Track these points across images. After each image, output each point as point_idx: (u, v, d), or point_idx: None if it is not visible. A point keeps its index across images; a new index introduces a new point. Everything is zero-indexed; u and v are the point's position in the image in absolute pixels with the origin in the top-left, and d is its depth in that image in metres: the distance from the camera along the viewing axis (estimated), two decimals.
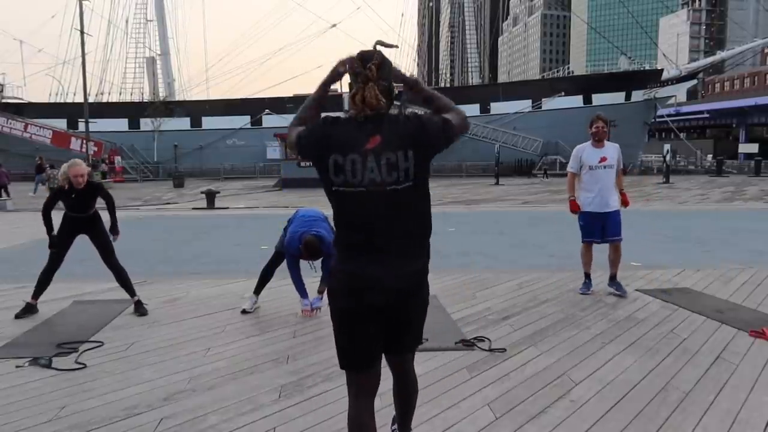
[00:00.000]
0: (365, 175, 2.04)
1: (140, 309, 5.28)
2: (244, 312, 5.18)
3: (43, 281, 5.31)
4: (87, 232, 5.39)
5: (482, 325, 4.74)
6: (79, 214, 5.35)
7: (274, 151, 38.96)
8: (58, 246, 5.34)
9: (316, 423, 3.04)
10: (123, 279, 5.39)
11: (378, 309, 2.14)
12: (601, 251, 5.93)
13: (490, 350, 4.12)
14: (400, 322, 2.24)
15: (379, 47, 2.14)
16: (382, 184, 2.05)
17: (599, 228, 5.76)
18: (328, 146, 2.08)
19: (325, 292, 4.86)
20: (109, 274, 5.43)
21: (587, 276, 5.92)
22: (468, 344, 4.23)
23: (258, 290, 5.34)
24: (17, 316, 5.15)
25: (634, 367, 3.78)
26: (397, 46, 2.36)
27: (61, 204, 5.34)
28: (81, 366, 3.89)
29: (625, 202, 5.82)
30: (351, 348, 2.21)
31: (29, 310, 5.26)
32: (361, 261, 2.11)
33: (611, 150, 5.72)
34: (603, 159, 5.65)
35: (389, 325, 2.22)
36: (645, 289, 5.90)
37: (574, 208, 5.83)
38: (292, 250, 4.96)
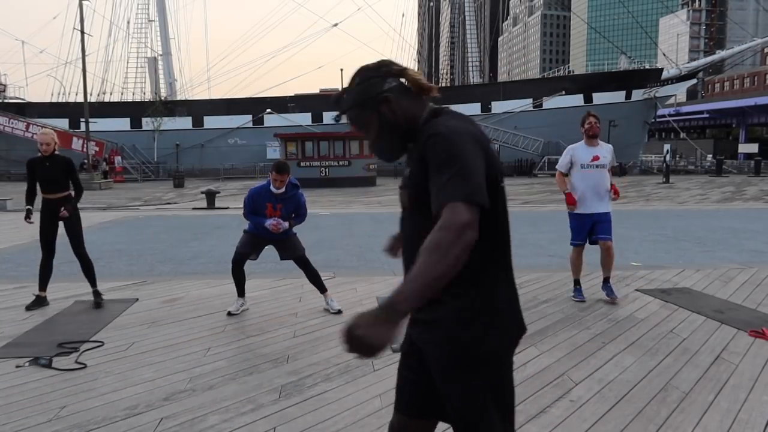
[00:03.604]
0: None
1: (97, 299, 5.44)
2: (230, 314, 5.15)
3: (43, 272, 5.45)
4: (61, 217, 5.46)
5: None
6: (52, 195, 5.39)
7: (274, 152, 38.95)
8: (42, 233, 5.44)
9: (316, 423, 3.04)
10: (88, 269, 5.53)
11: None
12: (595, 252, 5.92)
13: None
14: None
15: None
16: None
17: (587, 229, 5.54)
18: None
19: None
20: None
21: (577, 282, 5.63)
22: None
23: (241, 292, 5.30)
24: (28, 308, 5.28)
25: (634, 367, 3.78)
26: None
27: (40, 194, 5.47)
28: (81, 366, 3.89)
29: (615, 191, 5.52)
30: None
31: (40, 302, 5.38)
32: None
33: (604, 150, 5.52)
34: (595, 158, 5.44)
35: None
36: (645, 289, 5.90)
37: (570, 201, 5.49)
38: (258, 197, 5.09)
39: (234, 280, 5.28)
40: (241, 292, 5.30)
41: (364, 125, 1.69)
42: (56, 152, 5.43)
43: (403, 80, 1.68)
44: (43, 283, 5.45)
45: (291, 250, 5.28)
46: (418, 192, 1.58)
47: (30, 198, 5.47)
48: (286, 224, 5.06)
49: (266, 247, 5.31)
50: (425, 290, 1.36)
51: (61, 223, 5.42)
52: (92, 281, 5.52)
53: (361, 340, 1.30)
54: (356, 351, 1.32)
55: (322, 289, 5.31)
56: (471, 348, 1.57)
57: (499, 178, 1.62)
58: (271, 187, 5.02)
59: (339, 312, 5.13)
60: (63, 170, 5.41)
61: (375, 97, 1.64)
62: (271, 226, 4.99)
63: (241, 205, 5.27)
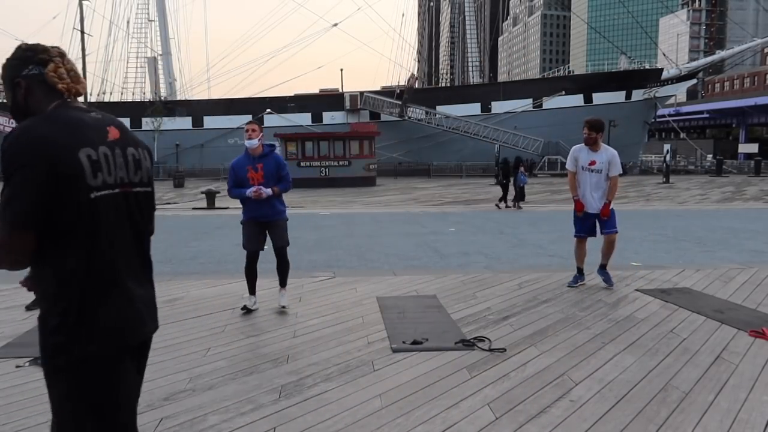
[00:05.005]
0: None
1: None
2: (245, 309, 5.18)
3: None
4: None
5: (482, 325, 4.74)
6: None
7: None
8: None
9: (316, 423, 3.04)
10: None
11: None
12: (596, 245, 5.95)
13: (490, 350, 4.12)
14: None
15: None
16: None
17: (590, 225, 5.97)
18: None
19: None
20: None
21: (579, 271, 6.08)
22: (468, 344, 4.23)
23: (252, 290, 5.34)
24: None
25: (634, 367, 3.78)
26: None
27: None
28: None
29: (603, 213, 5.87)
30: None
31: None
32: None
33: (603, 155, 5.85)
34: (592, 162, 5.83)
35: None
36: (645, 289, 5.90)
37: (579, 208, 5.96)
38: (238, 167, 5.16)
39: (246, 279, 5.28)
40: (252, 290, 5.30)
41: (9, 101, 1.72)
42: None
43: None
44: None
45: (279, 234, 5.25)
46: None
47: None
48: (268, 190, 5.05)
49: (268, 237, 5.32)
50: None
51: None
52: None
53: None
54: None
55: (284, 283, 5.35)
56: (55, 355, 1.61)
57: (90, 189, 1.59)
58: (246, 142, 5.08)
59: (283, 308, 5.19)
60: None
61: (11, 79, 1.67)
62: (253, 194, 5.02)
63: (241, 205, 5.27)
